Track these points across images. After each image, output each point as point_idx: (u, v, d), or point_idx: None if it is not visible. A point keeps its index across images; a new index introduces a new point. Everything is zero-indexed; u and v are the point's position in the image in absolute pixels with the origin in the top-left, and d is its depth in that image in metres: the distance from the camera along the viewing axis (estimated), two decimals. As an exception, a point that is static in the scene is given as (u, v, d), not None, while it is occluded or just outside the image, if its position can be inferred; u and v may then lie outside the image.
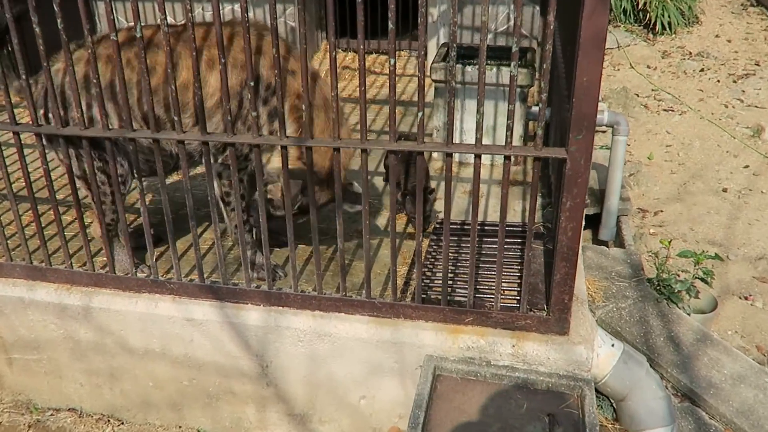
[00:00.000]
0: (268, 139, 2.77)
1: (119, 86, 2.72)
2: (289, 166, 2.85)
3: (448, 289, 2.98)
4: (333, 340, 3.00)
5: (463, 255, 3.39)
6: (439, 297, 2.97)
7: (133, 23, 2.60)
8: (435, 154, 4.77)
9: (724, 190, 5.82)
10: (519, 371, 2.81)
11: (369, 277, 2.97)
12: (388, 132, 2.68)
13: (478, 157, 2.63)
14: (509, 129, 2.54)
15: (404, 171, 3.69)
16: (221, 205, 3.15)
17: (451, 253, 3.39)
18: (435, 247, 3.53)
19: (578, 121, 2.45)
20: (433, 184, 4.33)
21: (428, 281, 3.19)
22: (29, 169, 3.82)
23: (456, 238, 3.53)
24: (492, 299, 2.94)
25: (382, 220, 3.90)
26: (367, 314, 3.00)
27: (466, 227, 3.63)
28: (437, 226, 3.73)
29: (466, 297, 2.94)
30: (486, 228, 3.63)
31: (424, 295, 3.02)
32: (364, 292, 3.01)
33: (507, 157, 2.61)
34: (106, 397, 3.48)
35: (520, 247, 3.43)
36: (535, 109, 4.63)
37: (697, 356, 3.36)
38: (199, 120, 2.73)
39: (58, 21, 2.64)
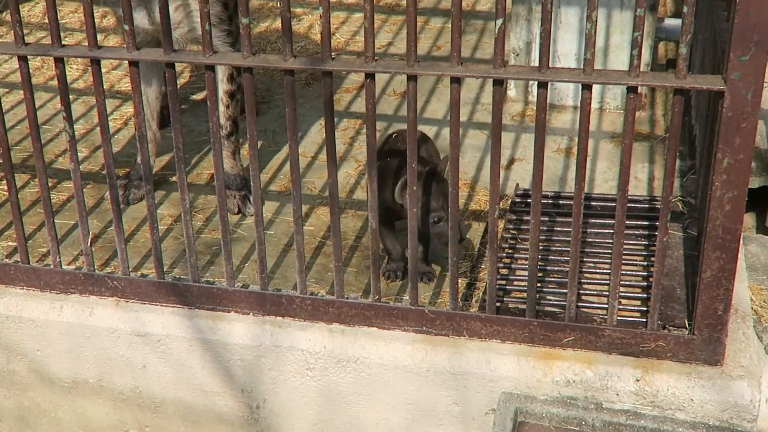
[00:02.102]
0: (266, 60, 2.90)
1: None
2: None
3: (536, 293, 3.05)
4: (359, 369, 3.09)
5: (556, 244, 3.46)
6: (522, 305, 3.04)
7: None
8: (511, 92, 4.83)
9: None
10: (646, 419, 2.88)
11: (415, 273, 3.05)
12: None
13: (587, 88, 2.69)
14: (636, 46, 2.60)
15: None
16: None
17: (541, 240, 3.45)
18: (514, 231, 3.61)
19: (744, 34, 2.49)
20: (510, 136, 4.39)
21: (505, 282, 3.28)
22: None
23: (546, 219, 3.60)
24: (604, 310, 3.01)
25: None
26: (412, 329, 3.08)
27: (561, 202, 3.70)
28: (517, 200, 3.80)
29: (563, 306, 3.02)
30: (593, 203, 3.70)
31: (499, 303, 3.09)
32: (407, 295, 3.09)
33: (631, 90, 2.67)
34: (12, 453, 3.61)
35: (646, 232, 3.50)
36: (669, 22, 4.68)
37: None
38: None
39: None
